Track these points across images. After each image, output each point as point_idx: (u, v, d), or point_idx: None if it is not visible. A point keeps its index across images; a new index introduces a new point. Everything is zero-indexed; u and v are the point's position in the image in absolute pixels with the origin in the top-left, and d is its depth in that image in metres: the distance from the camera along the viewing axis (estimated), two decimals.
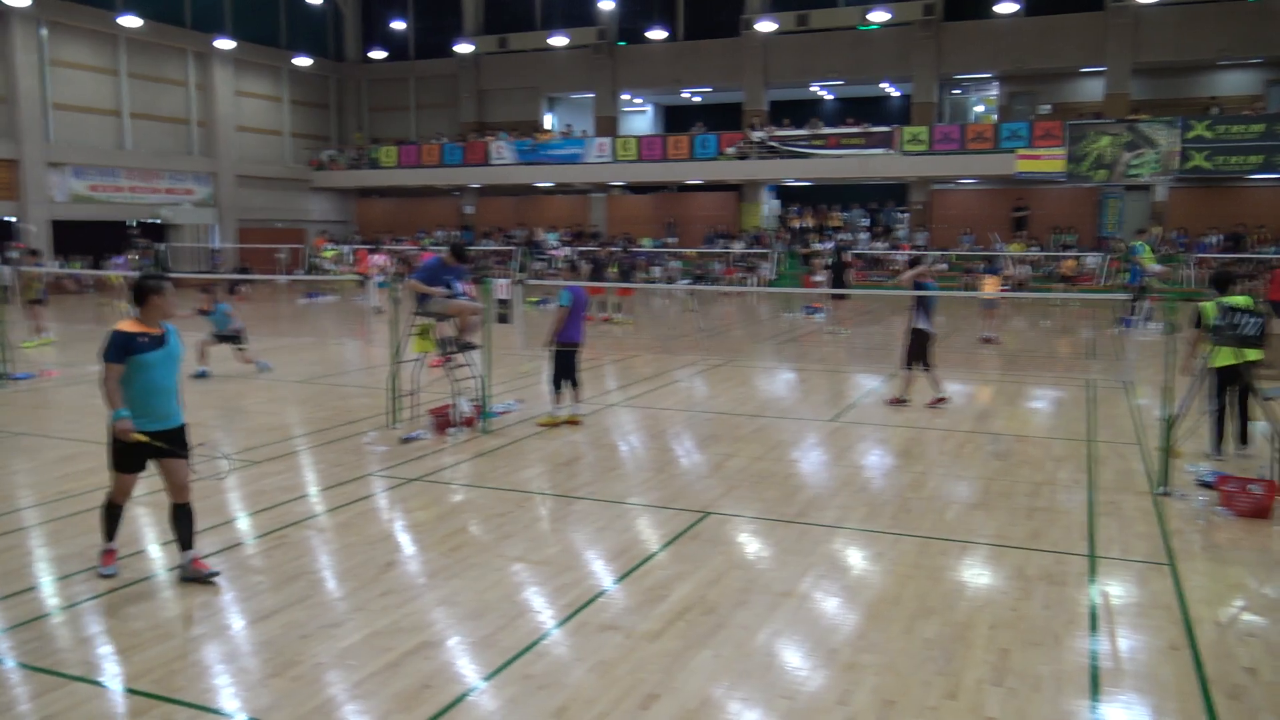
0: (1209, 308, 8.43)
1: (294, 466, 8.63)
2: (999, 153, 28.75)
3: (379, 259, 27.47)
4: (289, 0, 37.40)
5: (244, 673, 4.65)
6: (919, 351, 11.18)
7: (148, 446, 5.61)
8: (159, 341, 5.67)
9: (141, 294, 5.68)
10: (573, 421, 10.22)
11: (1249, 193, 29.21)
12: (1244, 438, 8.93)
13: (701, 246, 33.36)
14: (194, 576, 5.74)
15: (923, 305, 11.15)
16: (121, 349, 5.53)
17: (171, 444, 5.72)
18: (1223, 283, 8.75)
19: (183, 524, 5.80)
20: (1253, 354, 8.14)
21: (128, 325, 5.62)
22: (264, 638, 5.02)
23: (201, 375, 13.06)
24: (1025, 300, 25.03)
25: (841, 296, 19.03)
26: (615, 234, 34.97)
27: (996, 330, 17.55)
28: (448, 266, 9.98)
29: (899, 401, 11.32)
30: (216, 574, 5.80)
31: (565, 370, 10.17)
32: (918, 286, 11.25)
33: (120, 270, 25.52)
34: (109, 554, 5.89)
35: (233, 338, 13.74)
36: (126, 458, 5.64)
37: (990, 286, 17.06)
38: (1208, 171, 27.00)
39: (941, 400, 11.30)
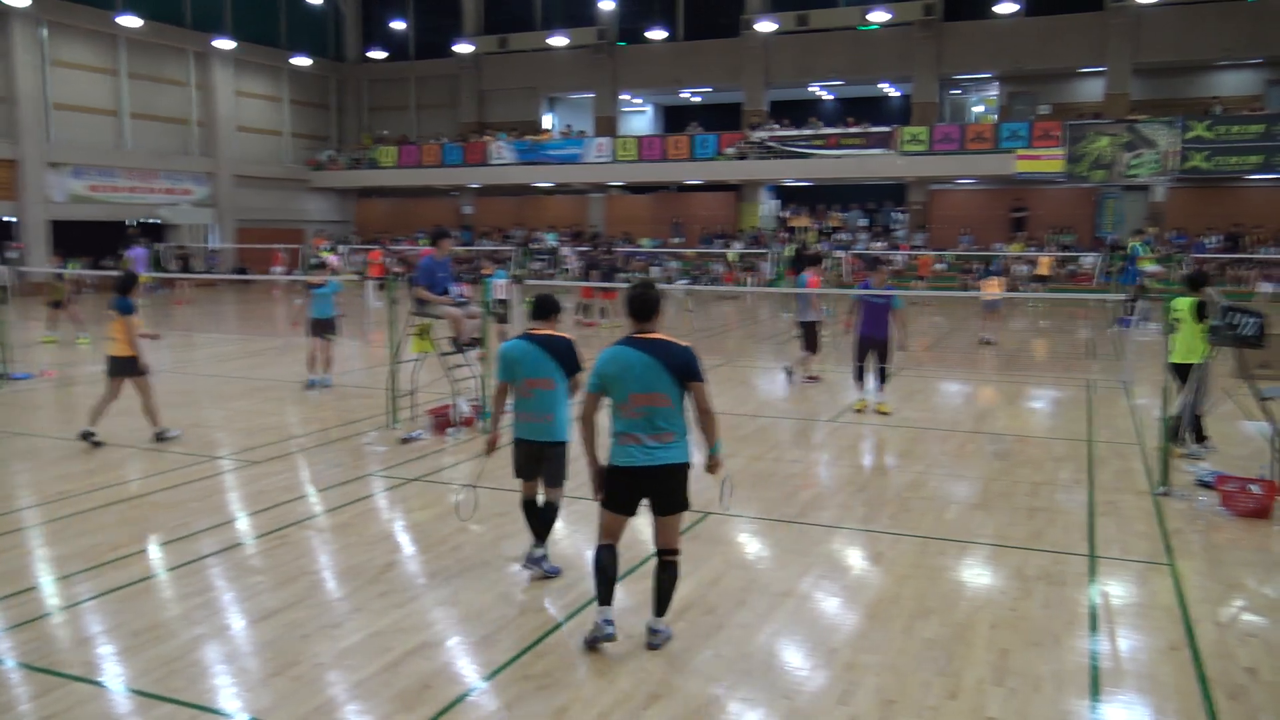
0: (1182, 304, 8.60)
1: (293, 466, 8.63)
2: (998, 153, 28.72)
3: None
4: (289, 0, 37.39)
5: (244, 673, 4.65)
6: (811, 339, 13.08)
7: None
8: None
9: None
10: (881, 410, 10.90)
11: (1247, 193, 29.22)
12: (1185, 436, 8.84)
13: (700, 246, 33.36)
14: None
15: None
16: None
17: None
18: (1196, 283, 8.80)
19: None
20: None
21: None
22: (264, 638, 5.02)
23: (314, 385, 12.21)
24: (1021, 301, 25.00)
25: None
26: (615, 234, 34.96)
27: (996, 333, 17.56)
28: (439, 261, 10.01)
29: (813, 379, 13.03)
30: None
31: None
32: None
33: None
34: None
35: (329, 326, 12.32)
36: None
37: (992, 288, 16.95)
38: (1206, 172, 26.98)
39: (813, 378, 13.09)
